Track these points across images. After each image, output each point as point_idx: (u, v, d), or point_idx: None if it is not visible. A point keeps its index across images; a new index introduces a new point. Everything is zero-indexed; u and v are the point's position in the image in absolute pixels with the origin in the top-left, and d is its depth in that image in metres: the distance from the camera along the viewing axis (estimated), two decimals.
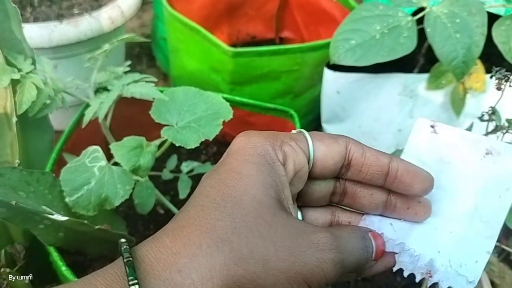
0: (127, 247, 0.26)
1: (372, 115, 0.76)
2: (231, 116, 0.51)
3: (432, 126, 0.33)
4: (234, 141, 0.28)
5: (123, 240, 0.26)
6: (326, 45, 0.70)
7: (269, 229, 0.25)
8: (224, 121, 0.52)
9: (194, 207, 0.26)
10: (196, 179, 0.69)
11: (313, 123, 0.91)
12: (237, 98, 0.69)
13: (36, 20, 0.86)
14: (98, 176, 0.47)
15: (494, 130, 0.57)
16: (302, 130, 0.31)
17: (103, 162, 0.48)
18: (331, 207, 0.33)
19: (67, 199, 0.47)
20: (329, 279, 0.26)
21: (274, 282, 0.24)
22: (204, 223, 0.25)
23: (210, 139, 0.48)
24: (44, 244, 0.48)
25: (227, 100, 0.54)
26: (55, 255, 0.47)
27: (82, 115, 0.55)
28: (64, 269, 0.46)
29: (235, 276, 0.24)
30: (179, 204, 0.66)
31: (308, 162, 0.29)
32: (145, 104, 0.53)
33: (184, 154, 0.75)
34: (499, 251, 0.57)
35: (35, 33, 0.80)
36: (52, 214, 0.43)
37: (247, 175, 0.26)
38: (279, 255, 0.24)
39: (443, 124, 0.33)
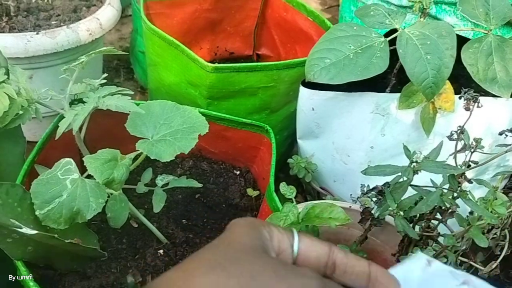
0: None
1: (346, 132, 0.77)
2: (207, 130, 0.52)
3: (429, 261, 0.35)
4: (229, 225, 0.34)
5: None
6: (302, 63, 0.71)
7: (251, 264, 0.29)
8: (200, 135, 0.52)
9: (195, 252, 0.31)
10: (171, 193, 0.68)
11: (289, 139, 0.92)
12: (214, 113, 0.69)
13: (12, 29, 0.85)
14: (70, 189, 0.47)
15: (463, 149, 0.59)
16: (292, 228, 0.35)
17: (76, 174, 0.48)
18: None
19: (37, 212, 0.46)
20: None
21: None
22: (201, 257, 0.30)
23: (186, 153, 0.49)
24: (11, 258, 0.47)
25: (203, 114, 0.55)
26: (23, 270, 0.46)
27: (56, 127, 0.55)
28: (32, 284, 0.45)
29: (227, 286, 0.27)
30: (153, 218, 0.66)
31: (292, 248, 0.32)
32: (121, 117, 0.53)
33: (160, 167, 0.74)
34: (467, 267, 0.58)
35: (10, 42, 0.79)
36: (21, 228, 0.42)
37: (236, 233, 0.32)
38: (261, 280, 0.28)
39: (438, 262, 0.35)
